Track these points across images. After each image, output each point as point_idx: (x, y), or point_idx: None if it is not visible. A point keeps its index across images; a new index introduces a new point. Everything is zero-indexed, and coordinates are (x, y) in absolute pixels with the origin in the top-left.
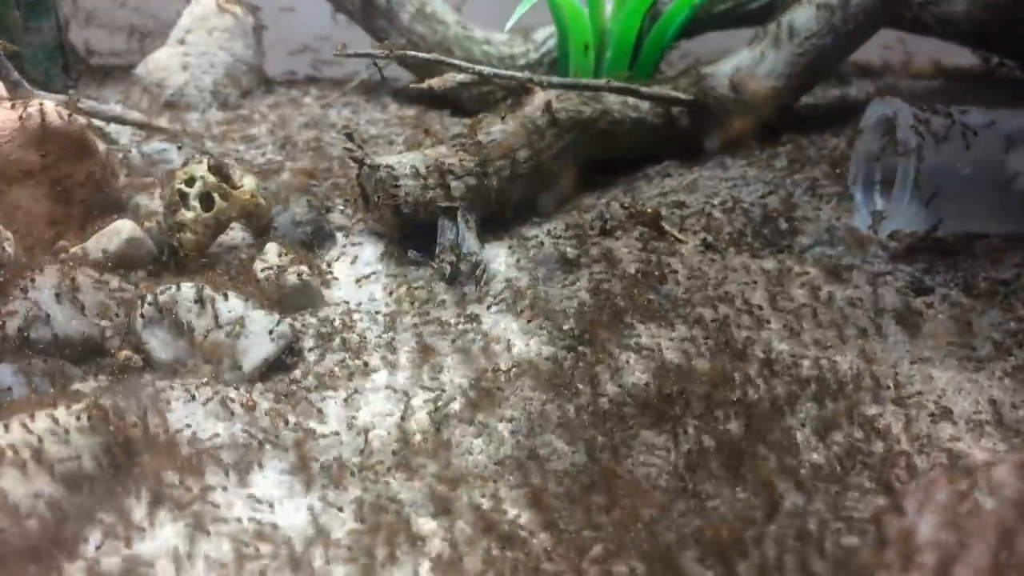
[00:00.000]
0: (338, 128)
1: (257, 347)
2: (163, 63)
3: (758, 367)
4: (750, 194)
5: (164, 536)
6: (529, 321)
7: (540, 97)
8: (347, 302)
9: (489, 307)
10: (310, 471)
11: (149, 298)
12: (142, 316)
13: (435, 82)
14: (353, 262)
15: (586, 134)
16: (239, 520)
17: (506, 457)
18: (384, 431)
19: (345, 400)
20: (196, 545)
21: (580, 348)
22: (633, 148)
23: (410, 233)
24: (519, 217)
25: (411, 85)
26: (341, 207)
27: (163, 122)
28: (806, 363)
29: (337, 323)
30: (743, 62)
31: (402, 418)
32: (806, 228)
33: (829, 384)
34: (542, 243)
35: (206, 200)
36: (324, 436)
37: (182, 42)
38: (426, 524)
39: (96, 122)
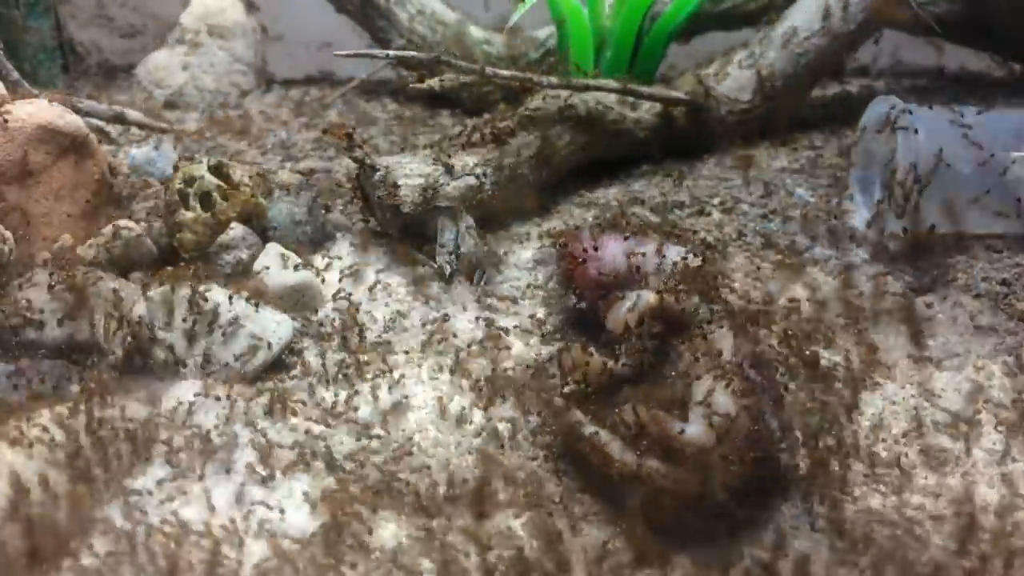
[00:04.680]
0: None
1: (257, 346)
2: (163, 63)
3: None
4: (750, 194)
5: None
6: (529, 319)
7: (539, 97)
8: (347, 302)
9: (488, 306)
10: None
11: (148, 298)
12: (141, 316)
13: (435, 82)
14: (353, 262)
15: (585, 134)
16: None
17: (505, 460)
18: (384, 430)
19: (345, 399)
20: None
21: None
22: (633, 148)
23: (409, 233)
24: (518, 217)
25: (411, 85)
26: (341, 207)
27: (163, 122)
28: (806, 362)
29: (337, 323)
30: (742, 62)
31: (401, 417)
32: (806, 228)
33: (827, 384)
34: (542, 243)
35: (206, 200)
36: (322, 436)
37: (182, 42)
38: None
39: (96, 122)
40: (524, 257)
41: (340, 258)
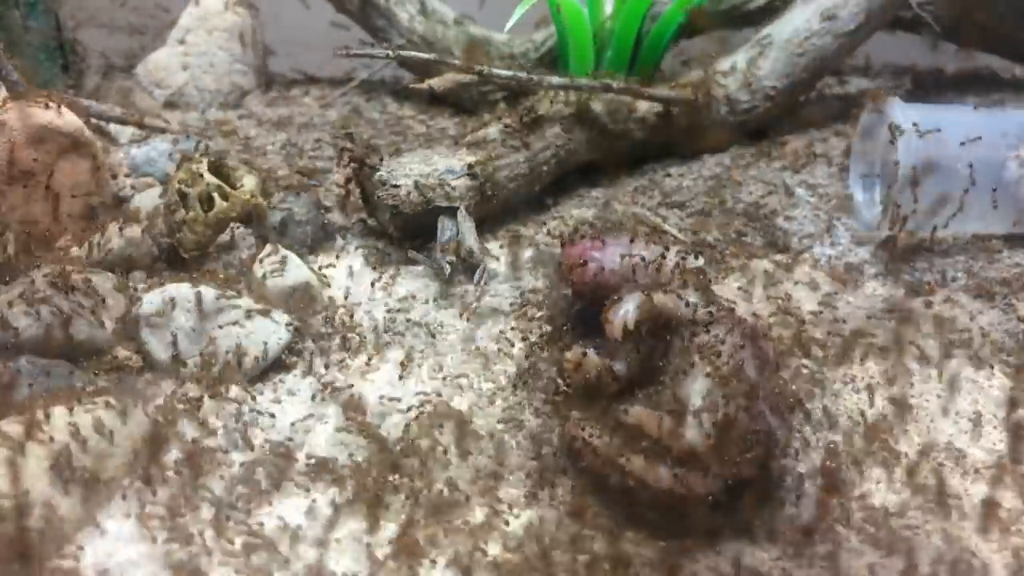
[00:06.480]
0: (338, 128)
1: (256, 347)
2: (163, 63)
3: None
4: (750, 194)
5: None
6: (529, 321)
7: (539, 97)
8: (346, 302)
9: (488, 306)
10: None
11: (148, 298)
12: (141, 316)
13: (435, 82)
14: (353, 262)
15: (585, 134)
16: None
17: (505, 460)
18: (384, 432)
19: (345, 400)
20: None
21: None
22: (633, 148)
23: (409, 233)
24: (519, 217)
25: (411, 85)
26: (341, 207)
27: (163, 122)
28: (805, 363)
29: (337, 323)
30: (743, 62)
31: (401, 418)
32: (806, 228)
33: (827, 385)
34: (542, 243)
35: (206, 200)
36: (322, 436)
37: (182, 42)
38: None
39: (96, 122)
40: (524, 257)
41: (340, 258)
